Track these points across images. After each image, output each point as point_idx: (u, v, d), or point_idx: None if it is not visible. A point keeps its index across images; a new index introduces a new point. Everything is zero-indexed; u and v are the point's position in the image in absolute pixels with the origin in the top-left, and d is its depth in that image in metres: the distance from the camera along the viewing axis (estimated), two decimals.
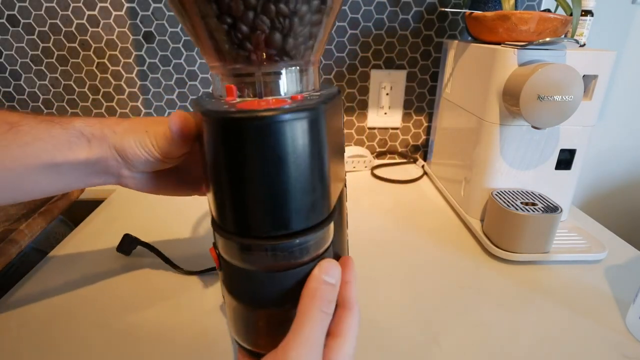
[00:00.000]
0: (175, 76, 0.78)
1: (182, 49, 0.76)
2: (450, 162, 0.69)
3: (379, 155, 0.88)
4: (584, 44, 0.62)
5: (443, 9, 0.76)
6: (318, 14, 0.24)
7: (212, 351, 0.37)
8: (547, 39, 0.49)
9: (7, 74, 0.76)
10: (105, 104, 0.80)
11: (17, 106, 0.79)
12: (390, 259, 0.52)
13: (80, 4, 0.72)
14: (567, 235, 0.55)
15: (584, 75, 0.51)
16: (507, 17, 0.52)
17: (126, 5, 0.72)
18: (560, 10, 0.64)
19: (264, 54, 0.24)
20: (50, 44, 0.74)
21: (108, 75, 0.78)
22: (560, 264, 0.51)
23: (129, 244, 0.51)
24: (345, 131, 0.85)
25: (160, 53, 0.76)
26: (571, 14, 0.54)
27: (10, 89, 0.78)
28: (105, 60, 0.76)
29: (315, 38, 0.26)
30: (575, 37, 0.60)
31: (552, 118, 0.48)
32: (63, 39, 0.74)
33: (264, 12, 0.22)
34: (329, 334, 0.24)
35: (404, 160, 0.87)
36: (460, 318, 0.41)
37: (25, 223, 0.53)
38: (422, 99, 0.84)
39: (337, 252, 0.29)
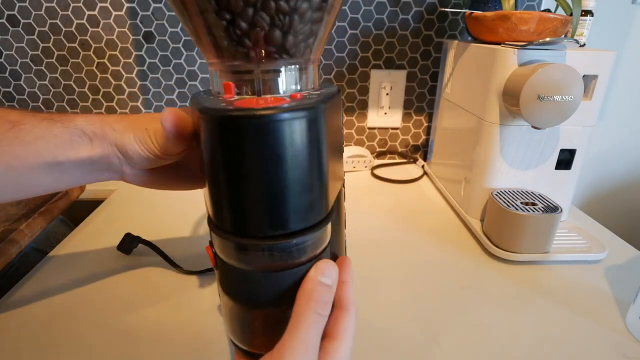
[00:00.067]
0: (175, 76, 0.78)
1: (182, 49, 0.76)
2: (450, 162, 0.69)
3: (379, 155, 0.88)
4: (584, 44, 0.62)
5: (443, 9, 0.76)
6: (319, 12, 0.24)
7: (211, 351, 0.37)
8: (547, 39, 0.49)
9: (7, 74, 0.76)
10: (105, 104, 0.80)
11: (17, 106, 0.79)
12: (390, 259, 0.52)
13: (80, 4, 0.72)
14: (567, 235, 0.55)
15: (584, 75, 0.51)
16: (507, 17, 0.52)
17: (126, 5, 0.72)
18: (560, 10, 0.64)
19: (263, 52, 0.24)
20: (50, 44, 0.74)
21: (108, 75, 0.78)
22: (560, 264, 0.51)
23: (129, 242, 0.51)
24: (345, 131, 0.85)
25: (160, 53, 0.76)
26: (571, 14, 0.54)
27: (10, 89, 0.78)
28: (105, 60, 0.76)
29: (316, 36, 0.25)
30: (575, 37, 0.60)
31: (552, 118, 0.48)
32: (63, 39, 0.74)
33: (263, 9, 0.22)
34: (325, 335, 0.24)
35: (404, 160, 0.87)
36: (460, 318, 0.41)
37: (25, 223, 0.53)
38: (422, 99, 0.84)
39: (335, 252, 0.29)
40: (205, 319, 0.40)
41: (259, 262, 0.24)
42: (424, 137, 0.87)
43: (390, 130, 0.86)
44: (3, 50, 0.75)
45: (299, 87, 0.26)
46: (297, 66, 0.26)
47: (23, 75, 0.77)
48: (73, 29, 0.73)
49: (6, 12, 0.72)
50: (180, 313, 0.41)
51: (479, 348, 0.38)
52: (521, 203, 0.51)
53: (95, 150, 0.32)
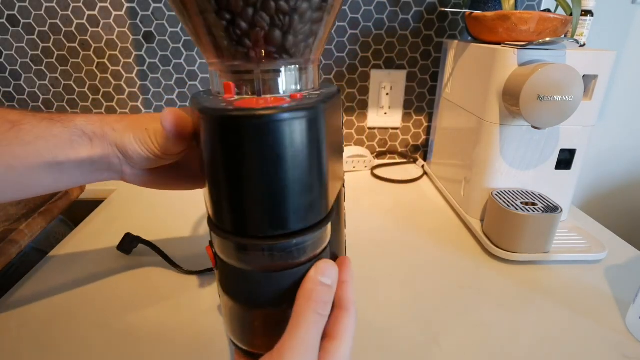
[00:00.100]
0: (175, 76, 0.78)
1: (182, 49, 0.76)
2: (450, 162, 0.69)
3: (379, 155, 0.88)
4: (584, 44, 0.62)
5: (443, 9, 0.76)
6: (319, 12, 0.24)
7: (211, 351, 0.37)
8: (547, 39, 0.49)
9: (7, 74, 0.76)
10: (105, 104, 0.80)
11: (17, 106, 0.79)
12: (390, 259, 0.52)
13: (80, 4, 0.72)
14: (567, 235, 0.55)
15: (584, 75, 0.51)
16: (507, 17, 0.52)
17: (126, 5, 0.72)
18: (560, 10, 0.64)
19: (263, 52, 0.24)
20: (50, 44, 0.74)
21: (108, 75, 0.78)
22: (560, 264, 0.51)
23: (129, 242, 0.51)
24: (345, 131, 0.85)
25: (160, 53, 0.76)
26: (571, 14, 0.54)
27: (10, 89, 0.78)
28: (105, 60, 0.76)
29: (316, 36, 0.25)
30: (575, 37, 0.60)
31: (552, 118, 0.48)
32: (63, 39, 0.74)
33: (263, 9, 0.22)
34: (325, 335, 0.24)
35: (404, 160, 0.87)
36: (460, 318, 0.41)
37: (25, 223, 0.53)
38: (422, 99, 0.84)
39: (335, 252, 0.29)
40: (205, 319, 0.40)
41: (259, 262, 0.24)
42: (424, 137, 0.87)
43: (390, 130, 0.86)
44: (3, 50, 0.75)
45: (299, 87, 0.26)
46: (297, 66, 0.26)
47: (23, 75, 0.77)
48: (73, 29, 0.73)
49: (6, 12, 0.72)
50: (180, 313, 0.41)
51: (479, 348, 0.38)
52: (521, 203, 0.51)
53: (95, 150, 0.32)
